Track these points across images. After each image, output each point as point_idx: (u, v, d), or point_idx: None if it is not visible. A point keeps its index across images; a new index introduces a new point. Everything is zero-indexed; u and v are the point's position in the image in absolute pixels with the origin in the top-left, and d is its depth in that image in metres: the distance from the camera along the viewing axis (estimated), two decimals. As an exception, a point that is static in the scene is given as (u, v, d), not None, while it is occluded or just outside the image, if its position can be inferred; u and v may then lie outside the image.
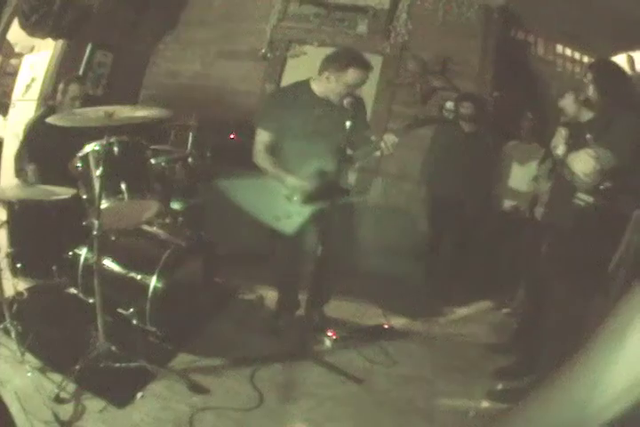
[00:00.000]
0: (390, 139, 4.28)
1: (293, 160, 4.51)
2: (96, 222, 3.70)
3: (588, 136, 3.68)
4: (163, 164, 4.75)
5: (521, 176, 6.29)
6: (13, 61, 8.79)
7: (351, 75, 4.34)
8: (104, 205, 3.79)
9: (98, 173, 3.76)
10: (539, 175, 5.57)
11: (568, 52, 8.09)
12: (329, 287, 5.05)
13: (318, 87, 4.54)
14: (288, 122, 4.46)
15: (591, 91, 3.94)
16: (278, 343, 4.61)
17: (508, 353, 4.85)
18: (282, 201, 4.46)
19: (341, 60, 4.38)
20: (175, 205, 4.94)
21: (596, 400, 1.18)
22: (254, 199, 4.50)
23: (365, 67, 4.37)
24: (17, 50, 8.56)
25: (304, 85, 4.60)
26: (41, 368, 3.66)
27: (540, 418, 1.27)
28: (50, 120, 3.78)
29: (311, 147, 4.42)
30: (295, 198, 4.42)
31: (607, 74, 3.98)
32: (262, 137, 4.56)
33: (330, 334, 4.82)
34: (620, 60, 6.09)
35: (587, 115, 4.16)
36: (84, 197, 4.04)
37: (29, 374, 3.57)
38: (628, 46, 6.38)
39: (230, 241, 5.54)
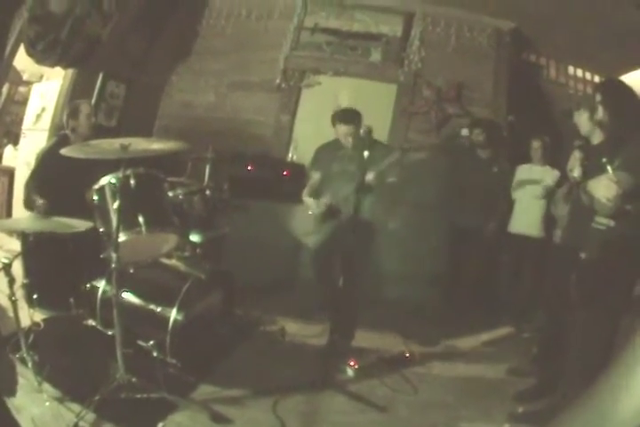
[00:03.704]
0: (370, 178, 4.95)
1: (324, 191, 5.56)
2: (114, 256, 3.69)
3: (604, 160, 3.64)
4: (180, 196, 4.74)
5: (531, 199, 6.27)
6: (22, 89, 8.81)
7: (339, 129, 5.44)
8: (122, 238, 3.79)
9: (115, 205, 3.75)
10: (556, 199, 5.55)
11: (579, 72, 8.11)
12: (353, 321, 5.34)
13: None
14: (327, 163, 5.62)
15: (601, 112, 3.90)
16: (301, 373, 4.56)
17: (528, 377, 4.83)
18: (309, 220, 5.57)
19: (332, 119, 5.52)
20: (194, 238, 4.92)
21: (619, 414, 1.19)
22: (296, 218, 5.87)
23: (345, 121, 5.39)
24: (25, 78, 8.57)
25: (334, 140, 5.64)
26: (59, 398, 3.64)
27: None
28: (64, 152, 3.78)
29: (334, 180, 5.51)
30: (313, 217, 5.49)
31: (615, 94, 3.94)
32: (312, 176, 5.80)
33: (351, 363, 4.80)
34: (632, 78, 6.07)
35: (599, 136, 4.12)
36: (101, 229, 4.03)
37: (47, 404, 3.54)
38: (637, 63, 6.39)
39: (250, 273, 5.49)
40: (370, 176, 4.84)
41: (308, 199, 5.54)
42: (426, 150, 7.03)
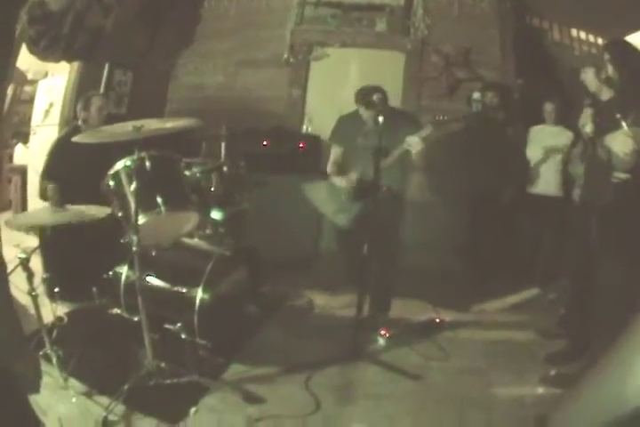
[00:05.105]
0: (414, 142, 4.68)
1: (350, 166, 5.30)
2: (135, 239, 3.66)
3: (618, 116, 3.67)
4: (198, 174, 4.70)
5: (548, 159, 6.24)
6: (28, 88, 8.80)
7: (363, 113, 5.07)
8: (141, 220, 3.74)
9: (132, 188, 3.73)
10: (573, 158, 5.54)
11: (583, 35, 8.09)
12: (388, 293, 5.32)
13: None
14: (351, 137, 5.26)
15: (610, 70, 3.99)
16: (332, 346, 4.56)
17: (557, 338, 4.85)
18: (339, 198, 5.27)
19: (355, 99, 5.12)
20: (215, 215, 4.90)
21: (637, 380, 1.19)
22: (322, 196, 5.59)
23: (370, 105, 4.90)
24: (30, 77, 8.56)
25: (355, 111, 5.25)
26: (86, 393, 3.63)
27: (590, 399, 1.27)
28: (76, 139, 3.76)
29: (360, 155, 5.08)
30: (344, 197, 5.19)
31: (623, 52, 4.03)
32: (333, 150, 5.52)
33: (382, 332, 4.82)
34: (635, 39, 6.09)
35: (607, 93, 4.18)
36: (120, 214, 3.97)
37: (74, 400, 3.53)
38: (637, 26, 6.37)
39: (272, 248, 5.40)
40: (401, 151, 4.75)
41: (335, 178, 5.35)
42: (457, 123, 6.98)
